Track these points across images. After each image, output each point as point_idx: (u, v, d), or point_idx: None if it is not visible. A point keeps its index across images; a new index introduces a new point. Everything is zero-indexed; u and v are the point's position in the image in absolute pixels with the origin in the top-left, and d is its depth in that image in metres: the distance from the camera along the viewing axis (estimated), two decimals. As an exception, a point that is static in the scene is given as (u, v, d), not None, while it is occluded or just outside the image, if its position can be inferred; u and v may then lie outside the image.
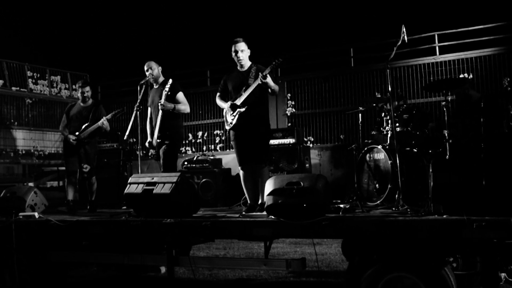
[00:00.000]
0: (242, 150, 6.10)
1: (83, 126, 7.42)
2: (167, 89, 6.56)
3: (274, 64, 5.88)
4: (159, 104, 6.52)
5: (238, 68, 6.22)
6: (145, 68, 6.92)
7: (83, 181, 7.63)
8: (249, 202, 6.10)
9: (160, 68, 6.95)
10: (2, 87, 14.37)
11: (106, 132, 7.59)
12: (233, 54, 6.14)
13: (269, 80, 5.82)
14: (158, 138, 6.60)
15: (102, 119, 7.33)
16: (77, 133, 7.40)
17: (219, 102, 6.38)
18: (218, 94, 6.44)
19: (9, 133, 14.04)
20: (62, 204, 7.76)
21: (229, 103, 6.13)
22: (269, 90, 5.97)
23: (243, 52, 6.11)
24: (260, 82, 5.83)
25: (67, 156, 7.60)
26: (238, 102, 6.01)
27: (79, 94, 7.71)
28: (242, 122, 6.02)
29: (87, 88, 7.67)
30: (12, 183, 11.71)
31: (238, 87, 6.12)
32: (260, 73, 5.83)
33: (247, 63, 6.18)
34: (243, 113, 5.99)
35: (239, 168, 6.18)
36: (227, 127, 6.21)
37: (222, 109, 6.32)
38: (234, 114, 6.05)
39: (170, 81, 6.62)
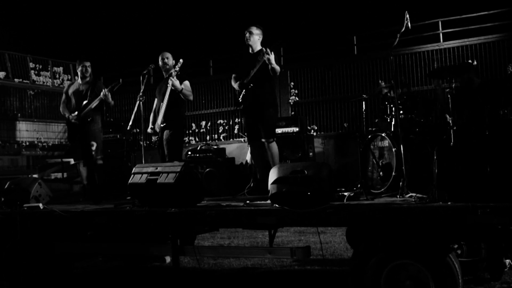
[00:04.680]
0: (250, 127, 6.49)
1: (84, 103, 7.27)
2: (177, 68, 6.61)
3: (275, 44, 6.23)
4: (170, 79, 6.59)
5: (250, 51, 6.59)
6: (161, 57, 6.97)
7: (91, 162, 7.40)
8: (258, 177, 6.24)
9: (174, 61, 7.00)
10: (4, 79, 14.37)
11: (110, 106, 7.41)
12: (245, 37, 6.54)
13: (271, 57, 6.09)
14: (161, 123, 6.68)
15: (103, 91, 7.14)
16: (76, 112, 7.28)
17: (233, 83, 6.68)
18: (233, 75, 6.73)
19: (13, 125, 14.06)
20: (67, 195, 7.75)
21: (238, 83, 6.47)
22: (270, 68, 6.17)
23: (251, 34, 6.52)
24: (264, 58, 6.11)
25: (71, 140, 7.51)
26: (246, 81, 6.34)
27: (78, 71, 7.50)
28: (249, 99, 6.36)
29: (88, 63, 7.49)
30: (16, 175, 11.74)
31: (247, 68, 6.43)
32: (263, 49, 6.17)
33: (256, 46, 6.56)
34: (250, 90, 6.31)
35: (248, 145, 6.56)
36: (238, 107, 6.55)
37: (230, 100, 6.56)
38: (243, 93, 6.36)
39: (181, 61, 6.69)
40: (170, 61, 6.99)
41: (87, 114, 7.26)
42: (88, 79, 7.51)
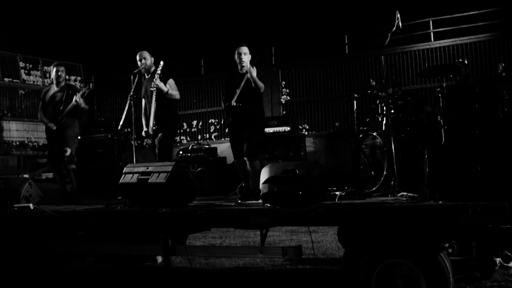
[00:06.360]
0: (235, 143, 6.41)
1: (60, 110, 7.33)
2: (159, 71, 6.57)
3: (255, 60, 6.26)
4: (153, 82, 6.55)
5: (239, 70, 6.49)
6: (138, 58, 6.90)
7: (64, 168, 7.48)
8: (250, 188, 6.23)
9: (152, 58, 6.95)
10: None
11: (84, 110, 7.48)
12: (236, 56, 6.45)
13: (254, 73, 6.10)
14: (154, 126, 6.62)
15: (74, 97, 7.20)
16: (53, 125, 7.35)
17: (223, 104, 6.68)
18: (223, 98, 6.71)
19: (3, 125, 13.98)
20: (58, 195, 7.73)
21: (226, 105, 6.42)
22: (253, 84, 6.18)
23: (245, 55, 6.44)
24: (248, 76, 6.13)
25: (49, 146, 7.61)
26: (233, 102, 6.27)
27: (53, 76, 7.57)
28: (235, 118, 6.34)
29: (62, 68, 7.57)
30: (7, 175, 11.67)
31: (234, 87, 6.35)
32: (249, 69, 6.14)
33: (246, 66, 6.45)
34: (237, 109, 6.26)
35: (234, 160, 6.51)
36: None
37: (219, 97, 6.52)
38: (231, 112, 6.35)
39: (162, 63, 6.63)
40: (148, 61, 6.91)
41: (63, 120, 7.31)
42: (62, 84, 7.54)
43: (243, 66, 6.42)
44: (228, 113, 6.44)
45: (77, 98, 7.20)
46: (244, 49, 6.45)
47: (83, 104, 7.32)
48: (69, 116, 7.33)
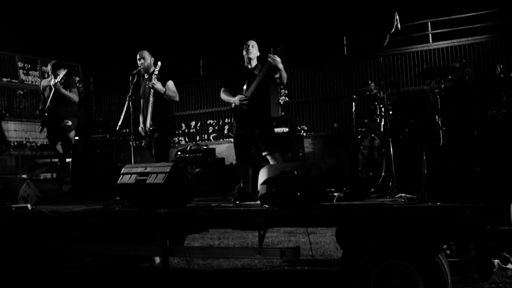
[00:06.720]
0: (242, 140, 6.27)
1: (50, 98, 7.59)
2: (156, 72, 6.57)
3: (281, 47, 6.18)
4: (150, 82, 6.55)
5: (246, 64, 6.38)
6: (138, 57, 6.91)
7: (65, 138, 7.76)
8: (248, 191, 6.18)
9: (152, 59, 6.96)
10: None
11: (70, 99, 7.62)
12: (244, 49, 6.32)
13: (278, 61, 6.05)
14: (150, 126, 6.62)
15: (50, 82, 7.49)
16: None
17: (224, 97, 6.46)
18: (222, 89, 6.55)
19: (1, 125, 13.95)
20: (56, 195, 7.75)
21: (238, 96, 6.19)
22: (278, 79, 6.17)
23: (253, 48, 6.34)
24: (272, 63, 6.00)
25: (48, 135, 7.93)
26: (248, 93, 6.13)
27: (51, 73, 7.80)
28: (247, 113, 6.15)
29: (65, 71, 7.86)
30: (5, 175, 11.65)
31: (243, 82, 6.23)
32: (270, 55, 6.03)
33: (254, 61, 6.37)
34: (248, 105, 6.11)
35: (236, 160, 6.38)
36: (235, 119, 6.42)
37: (220, 100, 6.47)
38: (243, 107, 6.15)
39: (159, 63, 6.63)
40: (148, 61, 6.92)
41: (54, 110, 7.64)
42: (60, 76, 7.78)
43: (250, 59, 6.32)
44: (236, 107, 6.21)
45: (52, 83, 7.36)
46: (252, 42, 6.38)
47: (62, 90, 7.45)
48: (60, 104, 7.47)
